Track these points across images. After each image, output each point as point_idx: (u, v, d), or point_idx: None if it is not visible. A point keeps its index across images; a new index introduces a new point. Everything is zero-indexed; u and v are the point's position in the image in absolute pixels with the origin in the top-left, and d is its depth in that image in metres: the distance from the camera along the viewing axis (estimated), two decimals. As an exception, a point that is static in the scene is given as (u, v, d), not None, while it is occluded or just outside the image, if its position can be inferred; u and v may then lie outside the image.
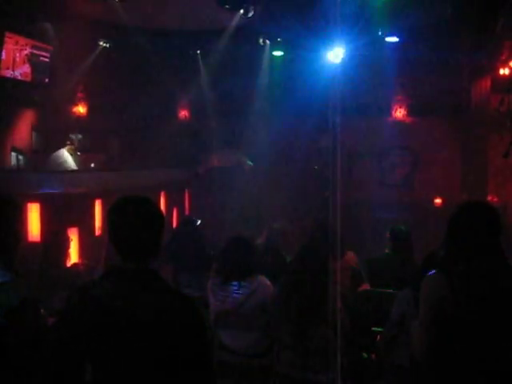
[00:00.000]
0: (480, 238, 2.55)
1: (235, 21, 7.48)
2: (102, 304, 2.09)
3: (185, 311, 2.13)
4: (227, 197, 8.53)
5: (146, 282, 2.14)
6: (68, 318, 2.13)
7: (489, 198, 8.78)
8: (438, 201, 9.00)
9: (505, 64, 7.69)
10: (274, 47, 8.95)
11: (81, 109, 9.84)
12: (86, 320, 2.07)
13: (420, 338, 2.62)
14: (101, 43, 9.05)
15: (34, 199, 6.51)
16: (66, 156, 7.87)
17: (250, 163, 8.79)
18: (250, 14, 6.80)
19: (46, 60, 8.37)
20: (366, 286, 4.90)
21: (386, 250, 5.32)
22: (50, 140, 8.56)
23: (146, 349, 2.06)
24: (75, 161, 7.93)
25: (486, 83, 8.55)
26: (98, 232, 7.09)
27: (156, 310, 2.09)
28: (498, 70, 7.89)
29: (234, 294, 4.05)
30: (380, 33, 7.67)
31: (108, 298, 2.09)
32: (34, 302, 2.51)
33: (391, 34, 7.81)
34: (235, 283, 4.08)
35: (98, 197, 7.19)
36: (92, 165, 8.45)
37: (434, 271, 2.61)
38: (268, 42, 8.43)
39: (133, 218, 2.15)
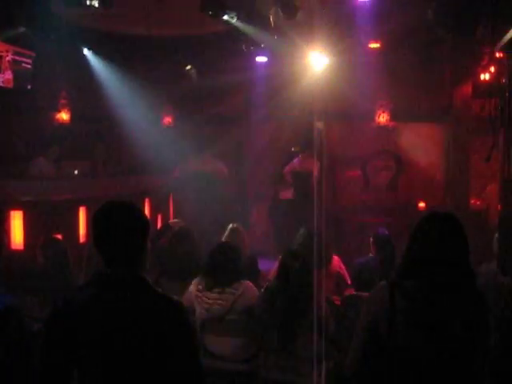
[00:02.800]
0: (434, 250, 2.39)
1: (218, 27, 7.51)
2: (87, 310, 2.09)
3: (173, 314, 2.14)
4: (203, 203, 8.57)
5: (131, 286, 2.15)
6: (53, 326, 2.13)
7: (471, 201, 8.89)
8: (421, 204, 9.08)
9: (485, 69, 7.80)
10: (257, 53, 8.98)
11: (64, 115, 9.79)
12: (72, 327, 2.07)
13: (351, 351, 2.50)
14: (84, 49, 9.02)
15: (16, 207, 6.47)
16: (43, 164, 7.81)
17: None
18: (234, 20, 6.83)
19: (29, 66, 8.33)
20: (350, 291, 4.94)
21: (370, 254, 5.38)
22: (31, 147, 8.51)
23: (134, 354, 2.07)
24: (53, 169, 7.88)
25: (467, 88, 8.67)
26: (82, 239, 7.06)
27: (143, 314, 2.10)
28: (479, 76, 8.01)
29: (219, 301, 4.06)
30: (362, 39, 7.75)
31: (94, 304, 2.10)
32: (17, 309, 2.51)
33: (373, 40, 7.89)
34: (220, 289, 4.09)
35: (82, 204, 7.16)
36: (75, 172, 8.41)
37: (381, 283, 2.51)
38: (251, 47, 8.45)
39: (118, 223, 2.17)
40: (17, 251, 6.32)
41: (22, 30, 7.65)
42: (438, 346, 2.31)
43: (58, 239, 5.22)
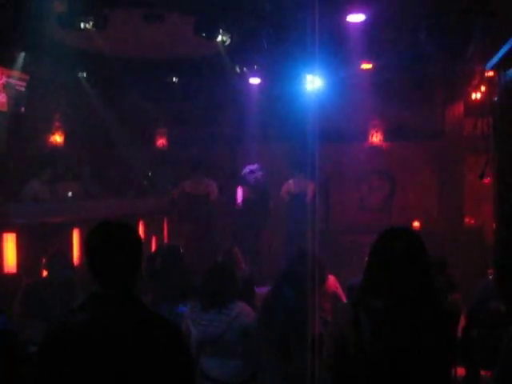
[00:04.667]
0: (393, 267, 2.32)
1: (212, 49, 7.56)
2: (82, 334, 2.05)
3: (169, 337, 2.11)
4: (197, 225, 8.56)
5: (127, 308, 2.12)
6: (47, 351, 2.09)
7: (466, 219, 8.91)
8: (416, 224, 9.10)
9: (476, 89, 7.89)
10: (250, 74, 9.05)
11: (57, 138, 9.79)
12: (67, 352, 2.03)
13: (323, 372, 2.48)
14: (78, 72, 9.06)
15: (9, 229, 6.42)
16: (37, 186, 7.78)
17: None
18: (227, 42, 6.89)
19: (22, 89, 8.34)
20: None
21: (366, 274, 5.35)
22: (25, 169, 8.48)
23: (130, 378, 2.03)
24: (47, 192, 7.84)
25: (459, 108, 8.75)
26: (76, 261, 7.01)
27: (140, 338, 2.06)
28: (470, 95, 8.09)
29: (215, 323, 4.02)
30: (355, 60, 7.82)
31: (88, 328, 2.06)
32: (11, 333, 2.47)
33: (365, 61, 7.96)
34: (216, 310, 4.05)
35: (76, 226, 7.12)
36: (69, 193, 8.38)
37: (344, 302, 2.48)
38: (245, 69, 8.51)
39: (112, 243, 2.14)
40: (9, 274, 6.26)
41: (16, 52, 7.69)
42: (402, 365, 2.27)
43: (65, 253, 5.21)
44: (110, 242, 2.15)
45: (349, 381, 2.34)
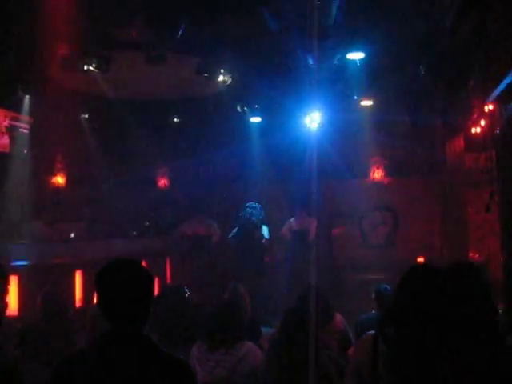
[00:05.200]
0: (417, 303, 2.38)
1: (213, 89, 7.65)
2: (92, 376, 2.00)
3: (180, 377, 2.07)
4: (200, 265, 8.51)
5: (139, 347, 2.08)
6: None
7: (470, 254, 8.83)
8: (420, 260, 9.01)
9: (476, 123, 7.92)
10: (251, 113, 9.13)
11: (59, 179, 9.81)
12: None
13: None
14: (81, 114, 9.14)
15: (11, 271, 6.35)
16: (39, 227, 7.75)
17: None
18: (228, 82, 6.97)
19: (25, 131, 8.40)
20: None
21: (373, 311, 5.27)
22: (26, 211, 8.47)
23: None
24: (50, 232, 7.82)
25: (460, 142, 8.77)
26: (78, 303, 6.92)
27: (152, 378, 2.02)
28: (470, 129, 8.12)
29: (222, 363, 3.92)
30: (355, 97, 7.89)
31: (99, 369, 2.01)
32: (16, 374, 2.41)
33: (366, 97, 8.04)
34: (222, 351, 3.96)
35: (78, 267, 7.06)
36: (72, 235, 8.35)
37: (367, 334, 2.50)
38: (246, 108, 8.60)
39: (123, 280, 2.12)
40: (11, 317, 6.16)
41: (20, 95, 7.77)
42: None
43: (57, 293, 5.15)
44: (121, 279, 2.12)
45: None
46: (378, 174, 9.72)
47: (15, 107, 8.10)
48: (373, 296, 5.32)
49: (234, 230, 8.39)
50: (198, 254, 8.68)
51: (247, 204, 8.42)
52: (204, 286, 8.00)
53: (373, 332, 2.46)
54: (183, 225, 9.00)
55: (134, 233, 9.37)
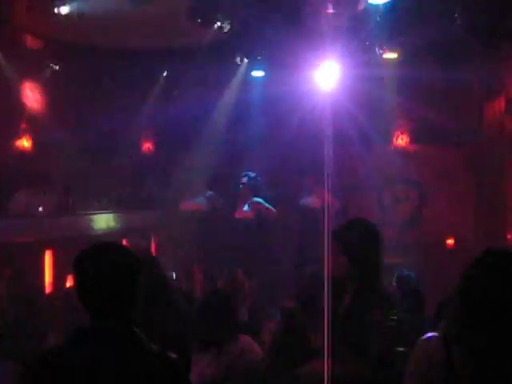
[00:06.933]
0: (499, 302, 2.27)
1: (208, 37, 7.60)
2: (72, 377, 2.05)
3: (170, 376, 2.13)
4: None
5: (124, 344, 2.13)
6: None
7: (508, 236, 8.88)
8: (450, 241, 9.08)
9: (520, 81, 7.90)
10: (253, 66, 9.07)
11: (25, 142, 9.80)
12: None
13: None
14: (50, 65, 9.08)
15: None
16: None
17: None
18: (226, 29, 6.91)
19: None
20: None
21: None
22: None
23: None
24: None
25: (500, 104, 8.74)
26: (48, 289, 7.00)
27: (140, 376, 2.07)
28: (512, 89, 8.10)
29: (215, 362, 3.99)
30: (377, 49, 7.83)
31: (80, 369, 2.06)
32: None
33: (389, 49, 7.97)
34: (214, 350, 4.02)
35: (48, 247, 7.12)
36: (40, 208, 8.38)
37: (431, 334, 2.42)
38: (246, 60, 8.55)
39: (105, 267, 2.15)
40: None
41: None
42: None
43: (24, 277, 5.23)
44: (104, 266, 2.15)
45: None
46: (402, 141, 9.72)
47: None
48: (393, 283, 5.38)
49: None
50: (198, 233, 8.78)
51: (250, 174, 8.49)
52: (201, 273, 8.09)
53: (433, 334, 2.40)
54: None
55: (114, 206, 9.41)
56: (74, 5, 6.37)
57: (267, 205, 8.40)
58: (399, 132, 9.59)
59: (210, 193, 9.16)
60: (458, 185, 9.47)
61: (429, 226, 9.58)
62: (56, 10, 6.34)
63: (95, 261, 2.17)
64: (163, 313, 3.84)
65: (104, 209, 9.24)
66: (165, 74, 9.68)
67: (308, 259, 7.67)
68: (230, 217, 8.72)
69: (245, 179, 8.46)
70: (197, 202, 9.17)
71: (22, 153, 9.70)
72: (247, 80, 9.48)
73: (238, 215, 8.68)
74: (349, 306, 3.51)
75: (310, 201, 8.74)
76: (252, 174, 8.55)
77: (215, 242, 8.48)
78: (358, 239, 3.58)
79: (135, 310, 2.21)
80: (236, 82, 9.51)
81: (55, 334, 4.54)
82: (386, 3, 6.60)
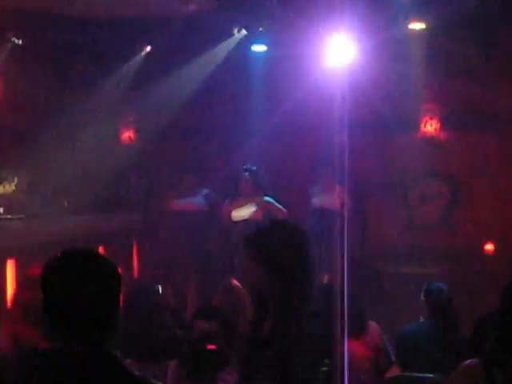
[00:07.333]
0: None
1: (200, 5, 7.64)
2: None
3: None
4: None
5: (98, 371, 2.15)
6: None
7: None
8: (489, 247, 9.12)
9: None
10: (253, 40, 9.11)
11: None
12: None
13: None
14: (12, 37, 9.10)
15: None
16: None
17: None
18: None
19: None
20: (395, 370, 4.95)
21: (421, 319, 5.40)
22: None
23: None
24: None
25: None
26: (10, 303, 7.04)
27: None
28: None
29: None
30: (402, 18, 7.86)
31: None
32: None
33: (416, 19, 7.99)
34: (209, 376, 4.06)
35: (10, 255, 7.17)
36: (0, 210, 8.42)
37: (471, 360, 2.51)
38: (245, 32, 8.59)
39: (76, 279, 2.18)
40: None
41: None
42: None
43: None
44: (75, 277, 2.18)
45: None
46: (431, 127, 9.74)
47: None
48: (421, 298, 5.45)
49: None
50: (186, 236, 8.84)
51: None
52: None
53: (478, 360, 2.46)
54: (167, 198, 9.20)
55: (88, 206, 9.44)
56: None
57: (278, 205, 8.44)
58: (428, 117, 9.62)
59: (207, 191, 9.21)
60: (498, 179, 9.48)
61: (464, 227, 9.60)
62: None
63: (63, 270, 2.19)
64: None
65: (75, 209, 9.26)
66: (148, 48, 9.68)
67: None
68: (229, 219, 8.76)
69: (246, 174, 8.49)
70: (193, 202, 9.21)
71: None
72: (247, 55, 9.51)
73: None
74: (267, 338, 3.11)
75: (328, 199, 8.77)
76: (253, 168, 8.58)
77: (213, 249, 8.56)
78: (276, 246, 3.12)
79: (114, 331, 2.24)
80: (233, 57, 9.53)
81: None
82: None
